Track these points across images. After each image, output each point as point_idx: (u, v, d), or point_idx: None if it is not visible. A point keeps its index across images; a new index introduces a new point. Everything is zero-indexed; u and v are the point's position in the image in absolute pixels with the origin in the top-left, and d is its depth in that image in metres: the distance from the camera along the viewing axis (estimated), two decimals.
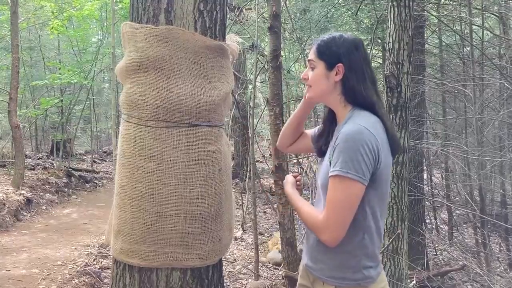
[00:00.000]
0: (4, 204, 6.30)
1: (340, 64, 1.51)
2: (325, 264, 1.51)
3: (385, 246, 3.47)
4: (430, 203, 8.09)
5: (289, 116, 1.91)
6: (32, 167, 9.38)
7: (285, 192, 1.73)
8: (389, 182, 1.51)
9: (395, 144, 1.49)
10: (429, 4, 6.61)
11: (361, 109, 1.49)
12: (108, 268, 4.36)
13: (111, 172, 11.25)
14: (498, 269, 6.56)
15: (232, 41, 2.00)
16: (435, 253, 7.20)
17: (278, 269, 4.92)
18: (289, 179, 1.73)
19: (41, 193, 7.68)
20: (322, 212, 1.42)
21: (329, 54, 1.53)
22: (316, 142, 1.69)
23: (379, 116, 1.48)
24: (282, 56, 4.79)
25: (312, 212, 1.48)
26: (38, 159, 11.01)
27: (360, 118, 1.44)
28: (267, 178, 10.56)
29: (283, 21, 7.00)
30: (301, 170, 8.62)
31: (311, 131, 1.82)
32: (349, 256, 1.47)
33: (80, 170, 10.51)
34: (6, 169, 8.92)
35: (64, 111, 11.85)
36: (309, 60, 1.60)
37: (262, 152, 10.48)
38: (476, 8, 7.07)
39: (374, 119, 1.47)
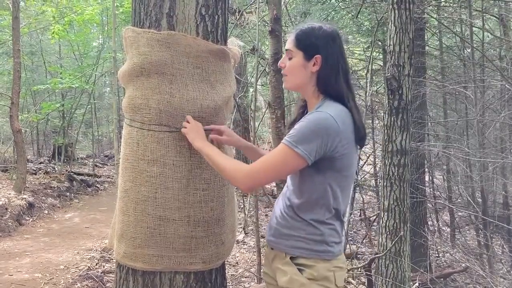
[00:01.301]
0: (6, 209, 6.31)
1: (318, 56, 1.55)
2: (290, 237, 1.56)
3: (388, 248, 3.47)
4: (432, 205, 8.08)
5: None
6: (34, 172, 9.40)
7: (195, 146, 1.65)
8: (353, 167, 1.58)
9: (360, 135, 1.55)
10: (429, 6, 6.62)
11: (331, 100, 1.55)
12: (110, 272, 4.37)
13: (112, 176, 11.25)
14: (501, 271, 6.54)
15: (233, 44, 2.01)
16: (437, 255, 7.18)
17: None
18: (199, 131, 1.67)
19: (43, 198, 7.69)
20: (250, 164, 1.51)
21: (308, 44, 1.57)
22: (288, 129, 1.75)
23: (348, 107, 1.54)
24: None
25: (236, 161, 1.57)
26: (40, 163, 11.04)
27: (328, 107, 1.51)
28: None
29: (284, 24, 7.01)
30: None
31: None
32: (314, 229, 1.53)
33: (82, 174, 10.53)
34: (8, 174, 8.93)
35: (65, 115, 11.88)
36: (286, 50, 1.63)
37: None
38: (476, 10, 7.09)
39: (342, 109, 1.52)
